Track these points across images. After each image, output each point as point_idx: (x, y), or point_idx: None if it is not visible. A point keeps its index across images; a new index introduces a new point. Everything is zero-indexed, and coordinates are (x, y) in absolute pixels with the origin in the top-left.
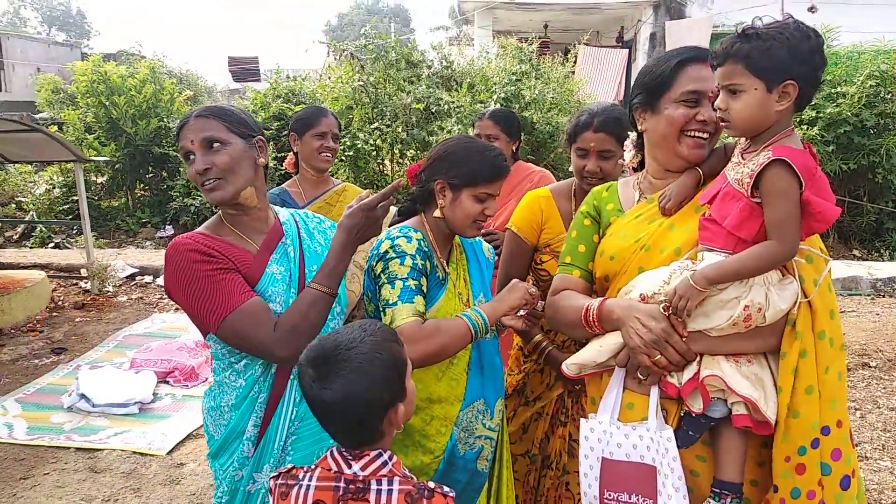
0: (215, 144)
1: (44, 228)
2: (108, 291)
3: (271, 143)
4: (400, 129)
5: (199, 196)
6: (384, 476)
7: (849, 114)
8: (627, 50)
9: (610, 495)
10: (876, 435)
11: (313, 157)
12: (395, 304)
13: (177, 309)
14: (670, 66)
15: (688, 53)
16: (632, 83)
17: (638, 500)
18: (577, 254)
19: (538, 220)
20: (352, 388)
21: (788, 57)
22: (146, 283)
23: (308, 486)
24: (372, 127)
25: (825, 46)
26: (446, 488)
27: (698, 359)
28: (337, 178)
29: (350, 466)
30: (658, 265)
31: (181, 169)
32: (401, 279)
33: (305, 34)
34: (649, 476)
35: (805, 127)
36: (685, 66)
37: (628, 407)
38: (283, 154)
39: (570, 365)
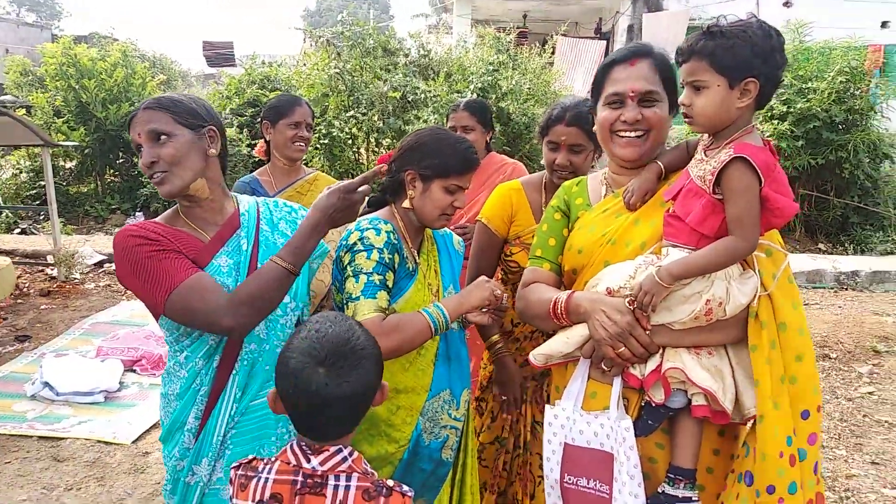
0: (161, 137)
1: (10, 214)
2: (75, 278)
3: (245, 129)
4: (376, 118)
5: None
6: (343, 472)
7: (818, 109)
8: (605, 41)
9: (570, 479)
10: (833, 425)
11: (286, 147)
12: (357, 298)
13: None
14: (601, 69)
15: (616, 55)
16: None
17: (595, 485)
18: (547, 247)
19: (508, 213)
20: (367, 379)
21: (751, 55)
22: (114, 270)
23: (267, 478)
24: (348, 115)
25: (799, 42)
26: (405, 487)
27: (661, 351)
28: (312, 166)
29: (309, 461)
30: (624, 259)
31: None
32: (365, 273)
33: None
34: (607, 463)
35: (776, 122)
36: (611, 69)
37: (591, 396)
38: (257, 141)
39: (538, 355)
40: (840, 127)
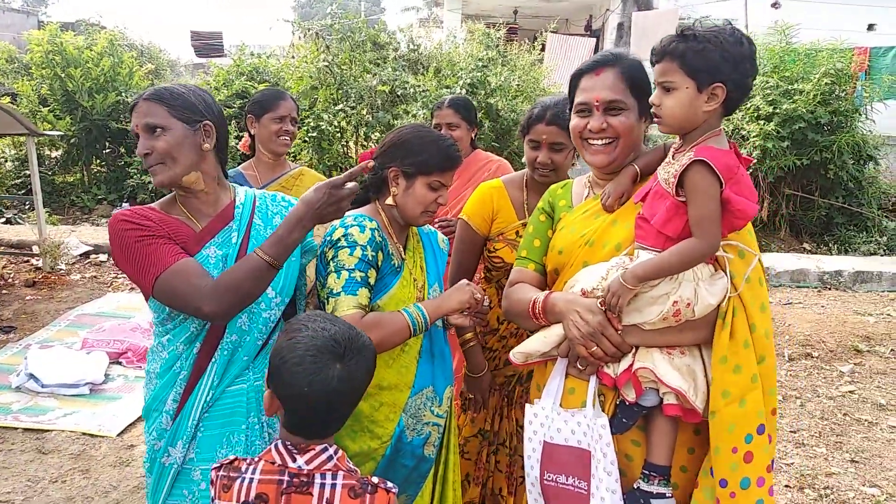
0: (156, 130)
1: None
2: (61, 269)
3: (233, 121)
4: (365, 112)
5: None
6: (328, 470)
7: (804, 110)
8: (595, 39)
9: (549, 476)
10: (814, 423)
11: (271, 141)
12: (338, 294)
13: (132, 288)
14: (571, 78)
15: (583, 65)
16: None
17: (574, 481)
18: (532, 248)
19: (489, 211)
20: (372, 371)
21: (720, 60)
22: (101, 261)
23: (251, 478)
24: (336, 108)
25: (785, 43)
26: (389, 483)
27: (634, 350)
28: (300, 159)
29: (295, 460)
30: (601, 260)
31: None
32: (347, 270)
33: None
34: (584, 460)
35: (762, 122)
36: (580, 79)
37: (570, 392)
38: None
39: (517, 353)
40: (825, 128)
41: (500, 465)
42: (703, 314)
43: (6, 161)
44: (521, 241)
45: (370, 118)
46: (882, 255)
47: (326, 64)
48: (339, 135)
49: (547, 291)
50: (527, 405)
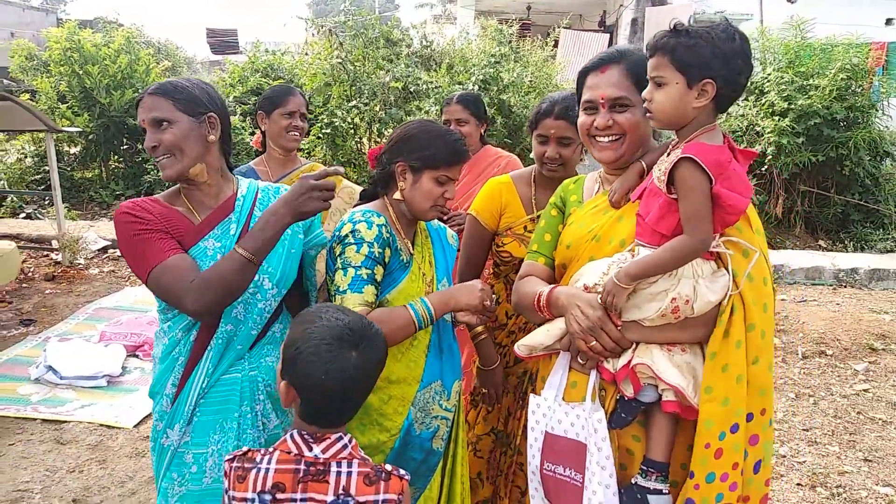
0: (163, 123)
1: (14, 198)
2: (80, 264)
3: (248, 118)
4: (378, 108)
5: None
6: (344, 458)
7: (819, 106)
8: (609, 35)
9: (548, 466)
10: (827, 421)
11: (281, 136)
12: (344, 292)
13: None
14: (578, 76)
15: (589, 63)
16: None
17: (570, 473)
18: (543, 242)
19: (497, 207)
20: (384, 357)
21: (710, 56)
22: (118, 256)
23: (267, 468)
24: (350, 105)
25: (800, 38)
26: (402, 471)
27: (634, 346)
28: (314, 155)
29: (311, 449)
30: (606, 255)
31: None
32: (354, 267)
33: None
34: (581, 452)
35: (777, 118)
36: (586, 76)
37: (572, 385)
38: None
39: (521, 346)
40: (841, 124)
41: (503, 465)
42: (702, 312)
43: (26, 157)
44: (533, 235)
45: (383, 115)
46: None
47: (340, 61)
48: (352, 131)
49: (552, 285)
50: (531, 395)
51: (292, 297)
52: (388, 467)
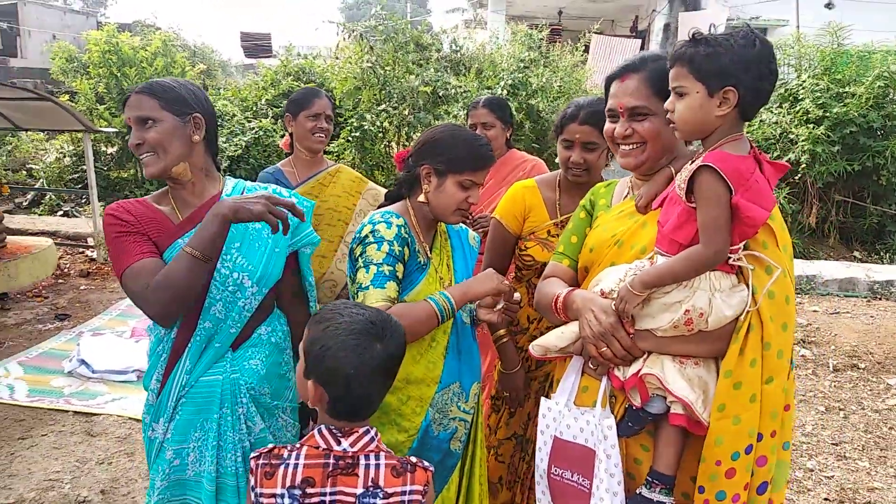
0: (148, 122)
1: (53, 196)
2: None
3: (279, 120)
4: (407, 112)
5: None
6: (372, 451)
7: (856, 114)
8: (640, 40)
9: (556, 470)
10: (857, 436)
11: (307, 138)
12: (367, 288)
13: None
14: (605, 83)
15: (614, 70)
16: None
17: (578, 479)
18: (569, 244)
19: (521, 211)
20: (403, 346)
21: (730, 64)
22: None
23: (296, 464)
24: (379, 109)
25: (837, 45)
26: (426, 462)
27: (645, 356)
28: (343, 158)
29: (339, 443)
30: (627, 261)
31: None
32: (375, 264)
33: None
34: (589, 458)
35: (811, 126)
36: (610, 84)
37: (583, 390)
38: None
39: (535, 346)
40: (878, 133)
41: (521, 471)
42: (717, 326)
43: (65, 157)
44: (561, 236)
45: (412, 119)
46: None
47: (370, 65)
48: (381, 135)
49: (570, 288)
50: (542, 398)
51: (286, 299)
52: (413, 459)
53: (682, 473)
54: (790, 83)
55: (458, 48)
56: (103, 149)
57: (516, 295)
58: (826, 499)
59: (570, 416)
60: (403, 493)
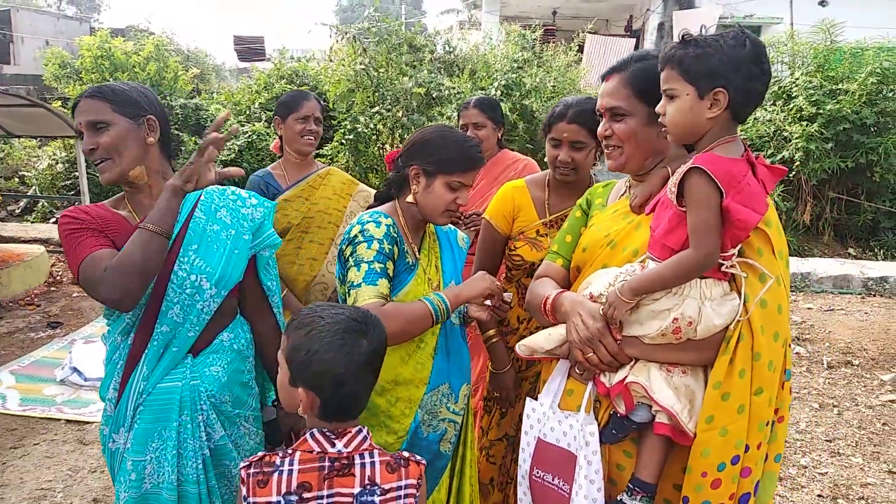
0: (100, 126)
1: (45, 203)
2: None
3: (272, 124)
4: (400, 114)
5: None
6: (365, 450)
7: (849, 111)
8: (635, 39)
9: (538, 473)
10: (851, 432)
11: (296, 141)
12: (359, 285)
13: None
14: (601, 82)
15: (607, 70)
16: None
17: (559, 482)
18: (563, 243)
19: (510, 211)
20: (385, 338)
21: (720, 64)
22: None
23: (290, 469)
24: (373, 111)
25: (830, 42)
26: (418, 457)
27: (632, 362)
28: (337, 161)
29: (334, 445)
30: (619, 262)
31: (182, 148)
32: (366, 262)
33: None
34: (570, 463)
35: (805, 123)
36: (602, 84)
37: (568, 393)
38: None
39: (522, 346)
40: (871, 129)
41: (513, 472)
42: (706, 335)
43: (57, 163)
44: (556, 235)
45: (405, 120)
46: None
47: (363, 67)
48: (374, 137)
49: (560, 290)
50: (527, 399)
51: (250, 304)
52: (406, 454)
53: (664, 481)
54: (784, 81)
55: (451, 49)
56: None
57: (507, 295)
58: (819, 495)
59: (554, 419)
60: (399, 487)
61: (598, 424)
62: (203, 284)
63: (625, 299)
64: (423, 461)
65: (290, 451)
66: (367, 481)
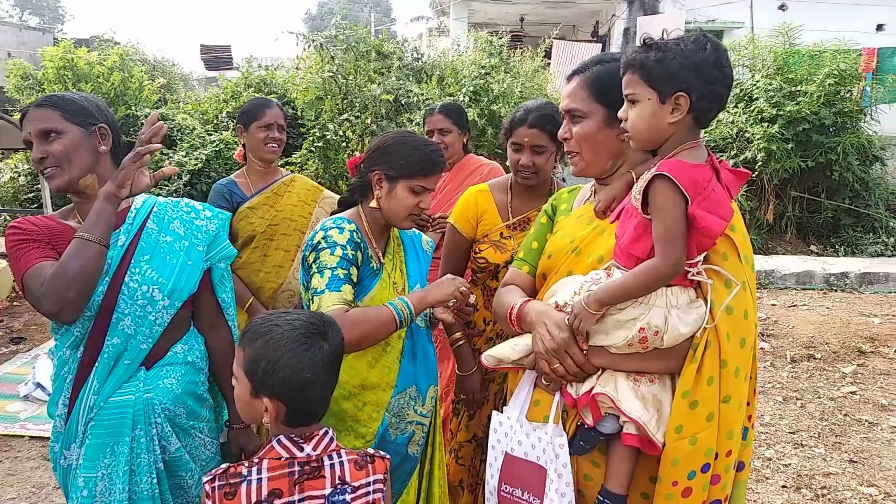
0: (51, 135)
1: (7, 216)
2: None
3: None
4: (369, 121)
5: (167, 185)
6: (333, 450)
7: (808, 112)
8: (601, 45)
9: (506, 488)
10: (813, 423)
11: (259, 149)
12: (322, 292)
13: None
14: None
15: (570, 73)
16: None
17: (529, 497)
18: (529, 250)
19: (474, 214)
20: (342, 338)
21: (680, 68)
22: None
23: (259, 478)
24: (342, 118)
25: (789, 45)
26: (382, 452)
27: (599, 372)
28: (307, 169)
29: (302, 449)
30: (584, 269)
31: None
32: (329, 268)
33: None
34: (540, 477)
35: (766, 124)
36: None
37: (535, 404)
38: None
39: (488, 356)
40: (830, 130)
41: (482, 473)
42: (672, 344)
43: (19, 175)
44: (523, 242)
45: (374, 127)
46: (889, 256)
47: (331, 74)
48: (344, 144)
49: (525, 298)
50: (493, 412)
51: (205, 317)
52: (371, 451)
53: (631, 489)
54: (745, 83)
55: (419, 56)
56: None
57: (472, 297)
58: (784, 486)
59: (521, 433)
60: (368, 484)
61: (567, 435)
62: (155, 295)
63: (591, 311)
64: (388, 457)
65: (256, 461)
66: (337, 481)
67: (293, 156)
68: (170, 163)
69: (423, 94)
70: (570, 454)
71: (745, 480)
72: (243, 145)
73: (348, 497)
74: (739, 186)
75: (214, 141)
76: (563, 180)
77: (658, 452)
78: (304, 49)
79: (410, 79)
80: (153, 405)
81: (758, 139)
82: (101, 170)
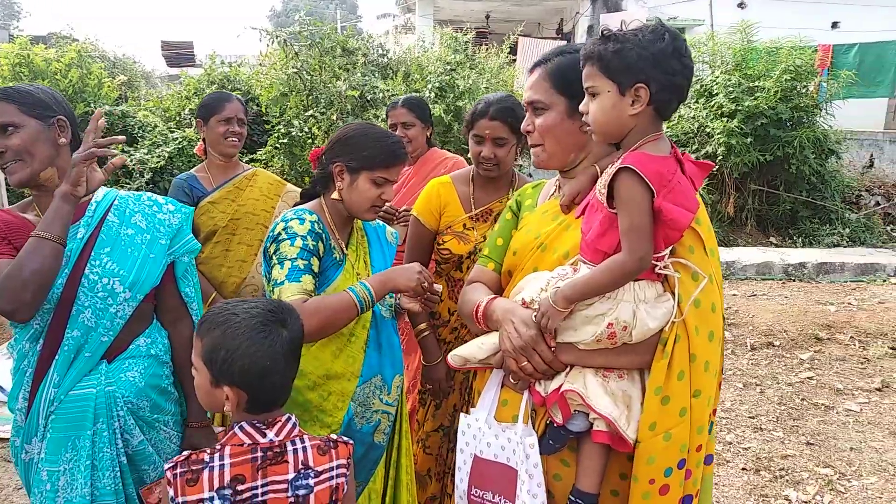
0: (9, 128)
1: None
2: None
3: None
4: (335, 117)
5: (128, 183)
6: (296, 436)
7: (766, 107)
8: (566, 42)
9: (476, 492)
10: (772, 408)
11: (219, 143)
12: (282, 283)
13: None
14: None
15: (532, 65)
16: None
17: (499, 500)
18: (494, 247)
19: (437, 206)
20: (301, 324)
21: (639, 59)
22: None
23: (221, 464)
24: (307, 114)
25: (746, 42)
26: (345, 437)
27: (568, 369)
28: (272, 165)
29: (265, 435)
30: (550, 266)
31: (105, 158)
32: (290, 259)
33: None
34: (511, 478)
35: (725, 119)
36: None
37: (503, 403)
38: None
39: (455, 356)
40: (787, 124)
41: (450, 462)
42: (641, 339)
43: None
44: (487, 239)
45: (340, 123)
46: (845, 247)
47: (296, 70)
48: (309, 140)
49: (491, 296)
50: (461, 414)
51: (168, 310)
52: (334, 437)
53: (602, 486)
54: (705, 79)
55: (385, 52)
56: None
57: (437, 286)
58: (743, 468)
59: (490, 434)
60: (331, 468)
61: (536, 435)
62: (116, 288)
63: (559, 307)
64: (351, 442)
65: (218, 447)
66: (300, 466)
67: (258, 152)
68: (132, 161)
69: (388, 91)
70: (541, 454)
71: (712, 473)
72: (203, 140)
73: (311, 482)
74: (703, 178)
75: (177, 138)
76: (530, 175)
77: (629, 449)
78: (269, 45)
79: (376, 75)
80: (115, 398)
81: (718, 134)
82: (61, 162)
